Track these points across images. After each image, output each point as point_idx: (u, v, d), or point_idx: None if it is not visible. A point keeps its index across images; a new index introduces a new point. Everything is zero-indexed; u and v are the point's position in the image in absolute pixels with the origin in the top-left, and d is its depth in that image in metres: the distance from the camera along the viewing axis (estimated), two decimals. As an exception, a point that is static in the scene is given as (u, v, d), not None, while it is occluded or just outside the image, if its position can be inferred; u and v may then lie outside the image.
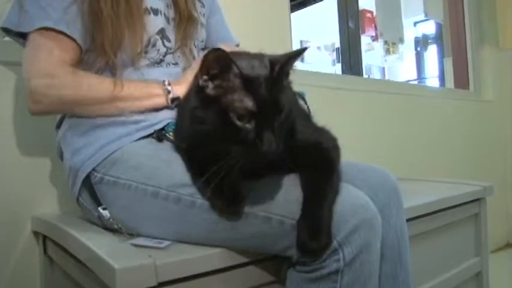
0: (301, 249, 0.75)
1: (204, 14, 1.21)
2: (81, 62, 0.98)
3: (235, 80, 0.71)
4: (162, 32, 1.07)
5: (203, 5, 1.22)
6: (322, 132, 0.89)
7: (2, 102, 1.20)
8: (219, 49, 0.70)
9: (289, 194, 0.80)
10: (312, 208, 0.76)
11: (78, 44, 0.96)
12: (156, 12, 1.06)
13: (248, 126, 0.70)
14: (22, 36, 0.97)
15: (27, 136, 1.22)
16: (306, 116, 0.89)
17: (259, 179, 0.82)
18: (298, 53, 0.76)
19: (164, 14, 1.08)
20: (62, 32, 0.93)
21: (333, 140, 0.88)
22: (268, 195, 0.80)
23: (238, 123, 0.70)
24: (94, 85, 0.95)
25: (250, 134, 0.70)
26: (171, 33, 1.09)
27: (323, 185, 0.79)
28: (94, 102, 0.95)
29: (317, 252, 0.75)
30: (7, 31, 0.98)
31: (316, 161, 0.83)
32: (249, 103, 0.70)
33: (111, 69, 0.98)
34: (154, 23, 1.05)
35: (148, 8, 1.05)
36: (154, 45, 1.05)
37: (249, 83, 0.71)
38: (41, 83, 0.92)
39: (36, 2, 0.92)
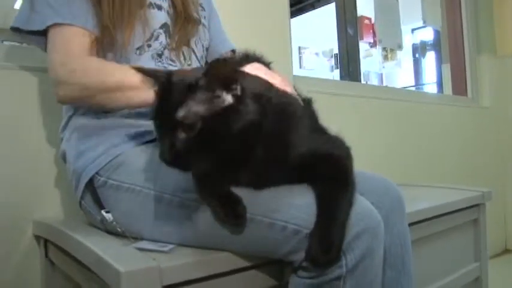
0: (311, 261, 0.75)
1: (205, 17, 1.23)
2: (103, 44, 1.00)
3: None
4: (165, 27, 1.09)
5: (203, 9, 1.24)
6: (335, 140, 0.86)
7: (4, 105, 1.20)
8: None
9: (293, 200, 0.80)
10: (326, 221, 0.76)
11: (90, 32, 0.98)
12: (159, 7, 1.09)
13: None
14: (35, 34, 1.00)
15: (29, 139, 1.23)
16: (318, 124, 0.89)
17: (264, 187, 0.82)
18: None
19: (167, 12, 1.11)
20: (72, 25, 0.96)
21: (346, 149, 0.86)
22: (273, 200, 0.80)
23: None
24: (114, 70, 0.95)
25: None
26: (172, 30, 1.11)
27: (338, 198, 0.78)
28: (115, 88, 0.94)
29: (326, 265, 0.75)
30: (18, 30, 1.01)
31: (329, 171, 0.81)
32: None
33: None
34: (158, 17, 1.07)
35: (152, 3, 1.07)
36: (157, 39, 1.07)
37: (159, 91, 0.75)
38: (64, 72, 0.95)
39: (45, 1, 0.96)
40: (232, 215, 0.79)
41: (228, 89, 0.70)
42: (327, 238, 0.74)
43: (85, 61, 0.96)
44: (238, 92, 0.70)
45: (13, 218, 1.19)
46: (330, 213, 0.76)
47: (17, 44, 1.31)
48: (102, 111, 1.00)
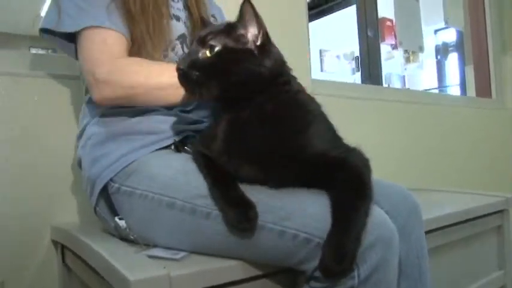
0: (323, 271, 0.73)
1: None
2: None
3: None
4: (182, 37, 1.10)
5: (216, 19, 1.25)
6: (353, 150, 0.84)
7: (21, 111, 1.22)
8: None
9: (305, 207, 0.78)
10: (341, 231, 0.73)
11: (125, 38, 1.00)
12: (178, 18, 1.10)
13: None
14: (64, 37, 1.02)
15: (47, 146, 1.24)
16: (334, 130, 0.87)
17: (276, 192, 0.81)
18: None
19: (184, 23, 1.12)
20: (109, 28, 0.97)
21: (365, 160, 0.83)
22: (284, 208, 0.79)
23: None
24: (155, 70, 0.97)
25: None
26: (189, 41, 1.12)
27: (355, 208, 0.75)
28: (156, 87, 0.96)
29: (339, 276, 0.73)
30: (47, 32, 1.02)
31: (347, 180, 0.79)
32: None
33: None
34: (176, 28, 1.08)
35: (171, 14, 1.09)
36: (173, 49, 1.07)
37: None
38: (103, 71, 0.95)
39: (74, 5, 0.97)
40: (244, 218, 0.78)
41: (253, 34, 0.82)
42: (341, 249, 0.72)
43: (129, 61, 0.98)
44: (259, 42, 0.82)
45: (32, 223, 1.20)
46: (346, 224, 0.74)
47: (42, 51, 1.33)
48: (117, 119, 1.01)
